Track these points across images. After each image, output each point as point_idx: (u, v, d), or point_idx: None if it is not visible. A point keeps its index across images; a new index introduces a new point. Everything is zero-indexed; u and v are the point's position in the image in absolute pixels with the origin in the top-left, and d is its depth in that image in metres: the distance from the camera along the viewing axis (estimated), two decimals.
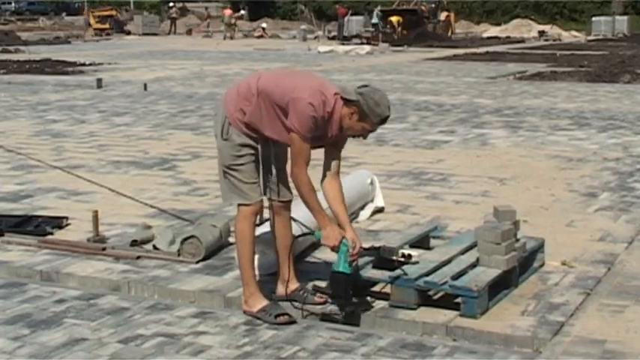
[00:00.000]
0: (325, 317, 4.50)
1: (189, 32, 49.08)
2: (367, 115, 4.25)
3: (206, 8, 57.19)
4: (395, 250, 4.79)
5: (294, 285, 4.63)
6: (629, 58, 26.28)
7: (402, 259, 4.64)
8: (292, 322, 4.36)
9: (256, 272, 4.65)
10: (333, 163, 4.42)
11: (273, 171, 4.53)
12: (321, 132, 4.30)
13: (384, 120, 4.31)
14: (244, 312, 4.48)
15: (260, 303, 4.43)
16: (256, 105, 4.34)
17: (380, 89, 4.38)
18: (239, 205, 4.44)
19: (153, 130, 11.21)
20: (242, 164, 4.40)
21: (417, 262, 4.66)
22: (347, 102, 4.28)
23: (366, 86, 4.38)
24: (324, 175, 4.43)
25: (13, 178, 8.00)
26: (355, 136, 4.43)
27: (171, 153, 9.29)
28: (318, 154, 4.46)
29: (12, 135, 10.72)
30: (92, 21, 49.39)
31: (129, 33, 47.37)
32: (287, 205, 4.62)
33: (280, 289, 4.66)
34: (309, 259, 5.35)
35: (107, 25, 48.33)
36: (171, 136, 10.49)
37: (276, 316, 4.37)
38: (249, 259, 4.47)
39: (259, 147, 4.43)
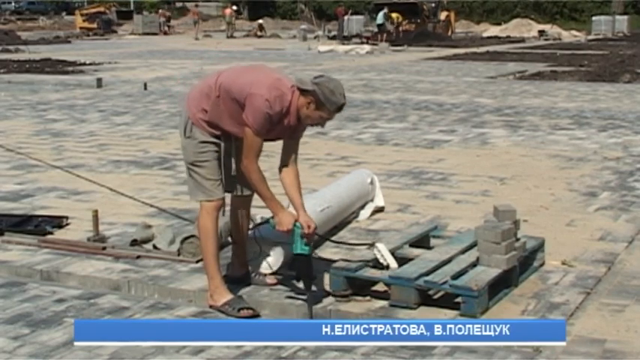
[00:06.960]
0: (291, 297, 4.63)
1: (165, 32, 47.17)
2: (323, 103, 4.41)
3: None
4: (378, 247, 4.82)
5: (245, 269, 4.87)
6: (629, 58, 26.25)
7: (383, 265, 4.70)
8: (255, 315, 4.47)
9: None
10: (292, 157, 4.60)
11: (233, 166, 4.67)
12: (278, 124, 4.45)
13: (340, 108, 4.47)
14: (210, 306, 4.57)
15: (224, 297, 4.55)
16: (215, 101, 4.49)
17: (335, 79, 4.52)
18: (201, 201, 4.57)
19: (153, 129, 11.22)
20: (205, 160, 4.54)
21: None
22: (303, 92, 4.43)
23: (321, 76, 4.53)
24: (282, 166, 4.60)
25: (13, 178, 8.00)
26: (313, 125, 4.61)
27: (171, 152, 9.29)
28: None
29: (12, 134, 10.72)
30: (79, 20, 48.19)
31: (115, 32, 46.82)
32: (247, 199, 4.80)
33: (234, 272, 4.87)
34: None
35: (94, 25, 47.06)
36: (172, 136, 10.47)
37: (240, 309, 4.48)
38: (213, 253, 4.58)
39: (222, 144, 4.57)
